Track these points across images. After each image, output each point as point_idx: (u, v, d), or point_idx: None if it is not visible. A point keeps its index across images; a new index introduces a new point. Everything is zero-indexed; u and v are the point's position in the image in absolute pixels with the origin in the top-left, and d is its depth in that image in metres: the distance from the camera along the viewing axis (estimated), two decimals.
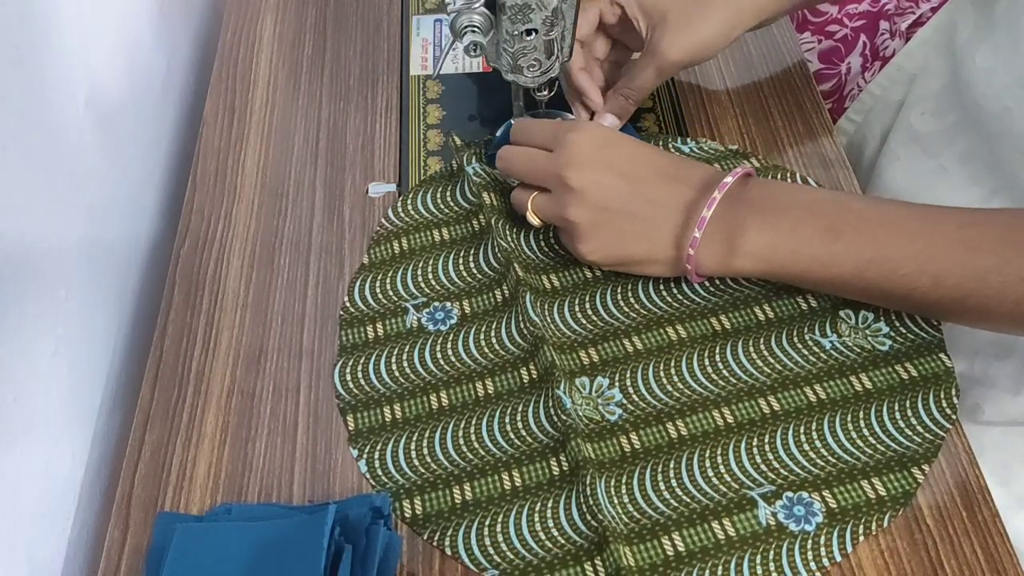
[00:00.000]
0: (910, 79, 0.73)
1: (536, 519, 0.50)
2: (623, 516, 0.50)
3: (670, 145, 0.68)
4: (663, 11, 0.62)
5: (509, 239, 0.62)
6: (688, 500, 0.51)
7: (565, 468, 0.52)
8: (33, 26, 0.56)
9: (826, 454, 0.52)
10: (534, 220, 0.58)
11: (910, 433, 0.52)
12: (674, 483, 0.51)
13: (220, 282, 0.63)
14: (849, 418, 0.53)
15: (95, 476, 0.59)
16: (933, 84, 0.69)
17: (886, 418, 0.53)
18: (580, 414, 0.54)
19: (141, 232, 0.70)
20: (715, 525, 0.49)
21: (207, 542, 0.48)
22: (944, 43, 0.69)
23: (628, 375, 0.56)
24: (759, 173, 0.66)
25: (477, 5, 0.57)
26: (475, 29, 0.57)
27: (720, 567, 0.48)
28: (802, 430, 0.53)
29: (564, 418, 0.53)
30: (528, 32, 0.57)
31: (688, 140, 0.69)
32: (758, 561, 0.48)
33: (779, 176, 0.66)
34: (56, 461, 0.55)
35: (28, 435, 0.52)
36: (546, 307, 0.60)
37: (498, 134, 0.69)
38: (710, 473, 0.51)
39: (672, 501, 0.51)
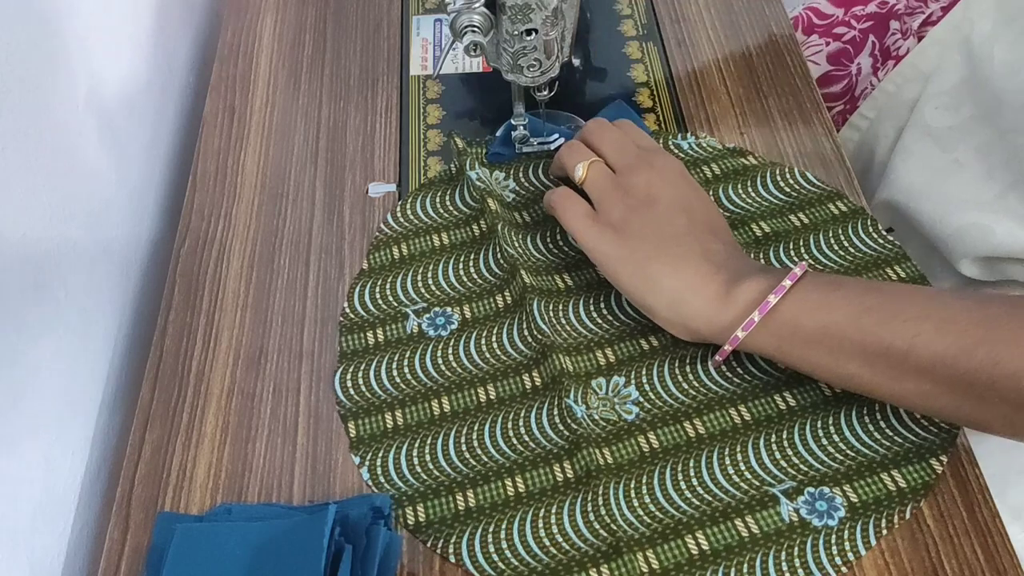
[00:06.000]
0: (924, 77, 0.73)
1: (541, 525, 0.50)
2: (644, 517, 0.50)
3: (670, 142, 0.68)
4: None
5: (516, 245, 0.62)
6: (709, 498, 0.50)
7: (570, 474, 0.52)
8: (33, 26, 0.56)
9: (844, 448, 0.52)
10: (580, 171, 0.58)
11: (926, 423, 0.52)
12: (694, 481, 0.51)
13: (220, 282, 0.63)
14: (865, 411, 0.53)
15: (95, 476, 0.59)
16: (948, 80, 0.68)
17: (902, 410, 0.53)
18: (596, 418, 0.54)
19: (141, 232, 0.70)
20: (738, 523, 0.49)
21: (207, 542, 0.48)
22: (960, 39, 0.69)
23: (644, 373, 0.56)
24: (757, 169, 0.66)
25: (477, 5, 0.57)
26: (475, 29, 0.57)
27: (745, 564, 0.48)
28: (819, 425, 0.53)
29: (575, 427, 0.53)
30: (528, 32, 0.57)
31: (688, 136, 0.69)
32: (783, 558, 0.48)
33: (778, 172, 0.66)
34: (56, 461, 0.55)
35: (28, 435, 0.52)
36: (560, 308, 0.59)
37: (498, 134, 0.69)
38: (730, 471, 0.51)
39: (693, 500, 0.50)
